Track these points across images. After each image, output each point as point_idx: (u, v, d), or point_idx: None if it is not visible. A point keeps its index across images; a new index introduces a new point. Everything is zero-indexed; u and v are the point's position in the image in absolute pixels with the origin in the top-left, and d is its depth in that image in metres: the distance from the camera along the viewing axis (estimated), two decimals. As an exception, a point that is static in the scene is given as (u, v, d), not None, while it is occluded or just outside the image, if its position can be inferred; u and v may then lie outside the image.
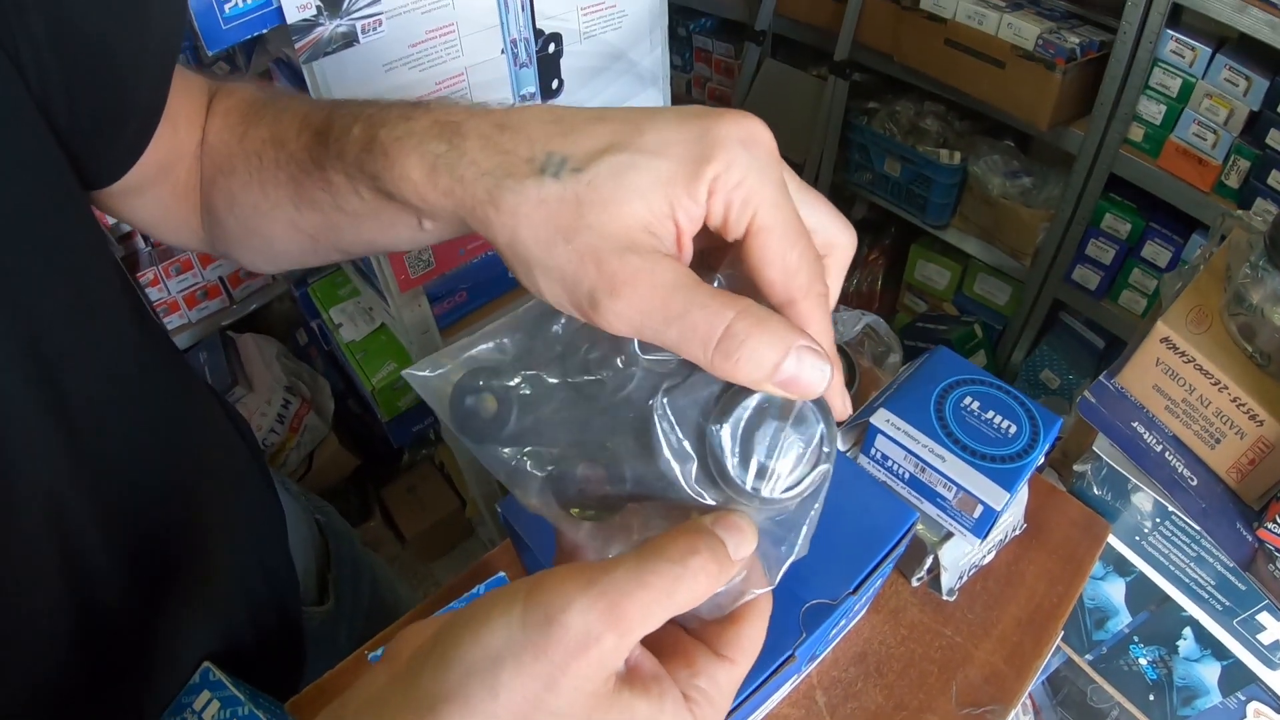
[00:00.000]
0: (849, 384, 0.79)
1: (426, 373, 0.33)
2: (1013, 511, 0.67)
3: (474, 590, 0.60)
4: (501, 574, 0.62)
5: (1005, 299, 2.18)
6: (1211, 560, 0.66)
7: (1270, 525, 0.58)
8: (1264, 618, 0.65)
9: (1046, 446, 0.61)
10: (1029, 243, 1.96)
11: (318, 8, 0.82)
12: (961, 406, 0.63)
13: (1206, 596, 0.69)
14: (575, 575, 0.27)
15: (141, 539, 0.47)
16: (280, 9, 0.80)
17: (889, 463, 0.63)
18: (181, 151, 0.47)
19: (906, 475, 0.63)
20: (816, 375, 0.29)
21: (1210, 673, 0.73)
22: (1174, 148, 1.60)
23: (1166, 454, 0.66)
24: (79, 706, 0.44)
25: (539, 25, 1.03)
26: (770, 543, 0.32)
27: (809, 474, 0.31)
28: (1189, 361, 0.62)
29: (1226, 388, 0.60)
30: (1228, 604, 0.67)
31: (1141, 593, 0.75)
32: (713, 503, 0.31)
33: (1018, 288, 2.10)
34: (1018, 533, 0.70)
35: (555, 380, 0.33)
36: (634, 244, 0.29)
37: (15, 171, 0.35)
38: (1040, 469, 0.76)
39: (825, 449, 0.31)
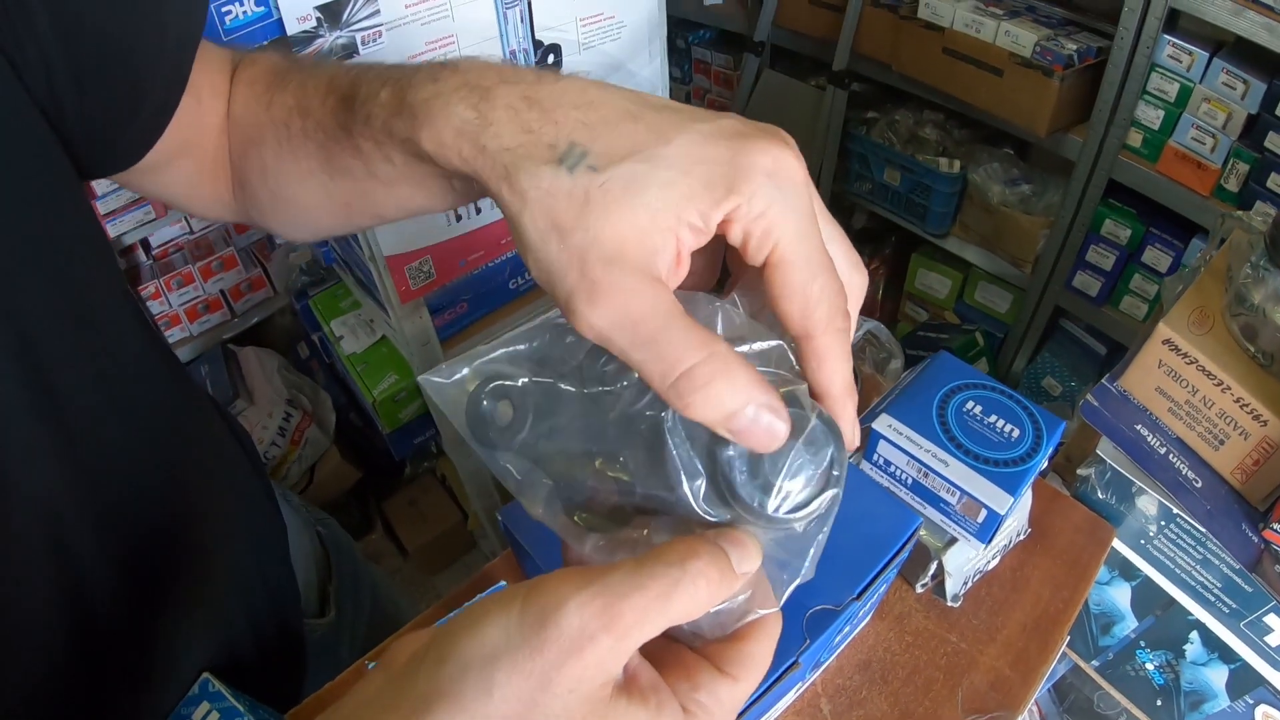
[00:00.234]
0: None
1: (442, 379, 0.33)
2: (1016, 516, 0.67)
3: (475, 600, 0.60)
4: (502, 583, 0.62)
5: (1006, 307, 2.18)
6: (1217, 562, 0.66)
7: (1276, 526, 0.58)
8: (1271, 619, 0.65)
9: (1050, 450, 0.61)
10: (1029, 250, 1.96)
11: (318, 19, 0.82)
12: (964, 411, 0.62)
13: (1213, 599, 0.68)
14: (573, 576, 0.27)
15: (138, 548, 0.47)
16: (281, 21, 0.80)
17: (891, 468, 0.63)
18: (206, 124, 0.46)
19: (909, 480, 0.62)
20: (766, 438, 0.29)
21: (1218, 676, 0.73)
22: (1173, 152, 1.61)
23: (1170, 456, 0.66)
24: (75, 717, 0.44)
25: (538, 36, 1.03)
26: (776, 565, 0.32)
27: (818, 496, 0.31)
28: (1191, 363, 0.62)
29: (1229, 388, 0.60)
30: (1234, 606, 0.67)
31: (1147, 597, 0.74)
32: (720, 520, 0.31)
33: (1018, 295, 2.10)
34: (1022, 538, 0.70)
35: (570, 390, 0.33)
36: (623, 257, 0.28)
37: (2, 172, 0.35)
38: (1044, 474, 0.75)
39: (835, 472, 0.31)
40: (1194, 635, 0.72)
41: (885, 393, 0.68)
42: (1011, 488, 0.58)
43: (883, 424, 0.62)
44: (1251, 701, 0.72)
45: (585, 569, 0.28)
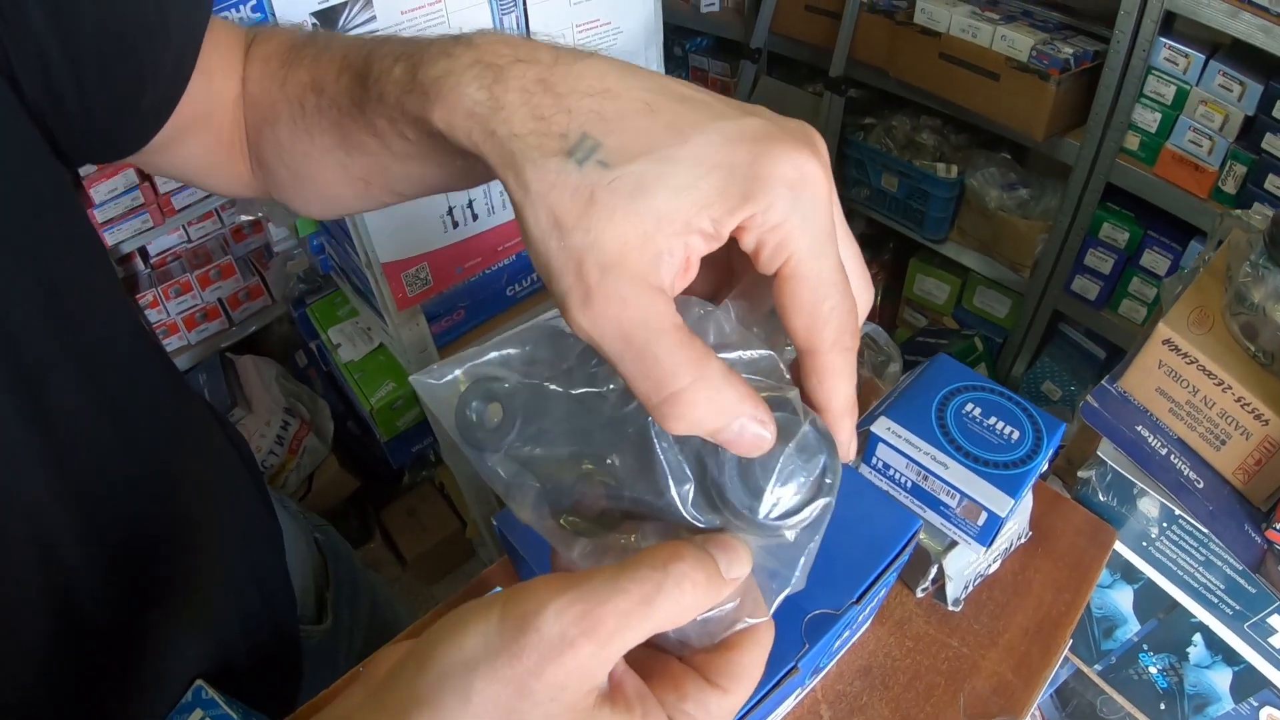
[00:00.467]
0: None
1: (434, 380, 0.32)
2: (1017, 519, 0.66)
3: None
4: (498, 589, 0.61)
5: (1005, 311, 2.18)
6: (1220, 564, 0.66)
7: (1279, 525, 0.58)
8: (1275, 620, 0.64)
9: (1050, 452, 0.60)
10: (1028, 254, 1.96)
11: (314, 25, 0.82)
12: (963, 413, 0.62)
13: (1216, 601, 0.68)
14: (553, 582, 0.27)
15: (128, 553, 0.46)
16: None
17: (891, 471, 0.62)
18: (218, 101, 0.46)
19: (909, 484, 0.62)
20: (752, 444, 0.28)
21: (1222, 679, 0.72)
22: (1170, 155, 1.61)
23: (1171, 457, 0.65)
24: None
25: (533, 42, 1.03)
26: (766, 574, 0.32)
27: (809, 504, 0.30)
28: (1191, 363, 0.62)
29: (1230, 388, 0.60)
30: (1238, 608, 0.66)
31: (1150, 599, 0.74)
32: (710, 527, 0.30)
33: (1017, 300, 2.10)
34: (1023, 541, 0.70)
35: (560, 391, 0.33)
36: (623, 262, 0.27)
37: None
38: (1044, 476, 0.75)
39: (828, 480, 0.30)
40: (1197, 638, 0.72)
41: (884, 396, 0.68)
42: (1012, 490, 0.58)
43: (882, 427, 0.61)
44: (1256, 704, 0.71)
45: (566, 575, 0.27)
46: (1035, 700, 0.61)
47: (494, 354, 0.33)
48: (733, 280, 0.35)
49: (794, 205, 0.28)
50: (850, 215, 2.36)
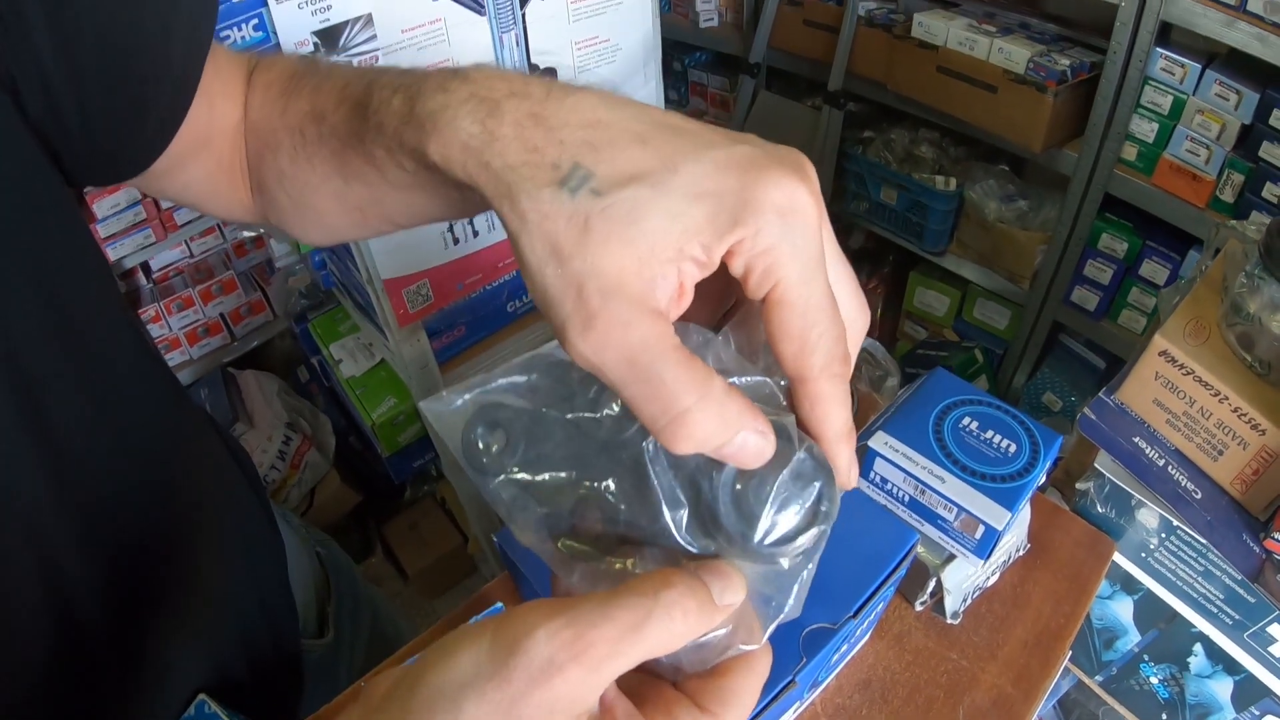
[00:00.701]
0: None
1: (442, 406, 0.33)
2: (1015, 531, 0.67)
3: (471, 622, 0.59)
4: (499, 604, 0.62)
5: (1005, 323, 2.18)
6: (1219, 574, 0.66)
7: (1277, 535, 0.58)
8: (1275, 630, 0.64)
9: (1047, 464, 0.61)
10: (1027, 266, 1.97)
11: (315, 44, 0.83)
12: (960, 427, 0.62)
13: (1216, 611, 0.68)
14: (544, 606, 0.27)
15: (128, 565, 0.46)
16: (279, 45, 0.81)
17: (888, 485, 0.63)
18: (220, 126, 0.46)
19: (906, 498, 0.62)
20: (752, 456, 0.29)
21: (1223, 689, 0.72)
22: (1168, 165, 1.61)
23: (1169, 468, 0.65)
24: None
25: (534, 60, 1.04)
26: (760, 600, 0.32)
27: (805, 531, 0.30)
28: (1188, 374, 0.62)
29: (1227, 398, 0.60)
30: (1237, 617, 0.66)
31: (1150, 610, 0.74)
32: (705, 553, 0.31)
33: (1017, 311, 2.11)
34: (1021, 553, 0.70)
35: (561, 417, 0.33)
36: (621, 287, 0.27)
37: None
38: (1042, 488, 0.75)
39: (823, 507, 0.30)
40: (1198, 648, 0.72)
41: (881, 411, 0.68)
42: (1009, 503, 0.58)
43: (879, 441, 0.62)
44: (1257, 713, 0.71)
45: (559, 600, 0.27)
46: (1035, 713, 0.61)
47: (500, 381, 0.33)
48: (732, 311, 0.35)
49: (783, 231, 0.28)
50: (850, 229, 2.37)
